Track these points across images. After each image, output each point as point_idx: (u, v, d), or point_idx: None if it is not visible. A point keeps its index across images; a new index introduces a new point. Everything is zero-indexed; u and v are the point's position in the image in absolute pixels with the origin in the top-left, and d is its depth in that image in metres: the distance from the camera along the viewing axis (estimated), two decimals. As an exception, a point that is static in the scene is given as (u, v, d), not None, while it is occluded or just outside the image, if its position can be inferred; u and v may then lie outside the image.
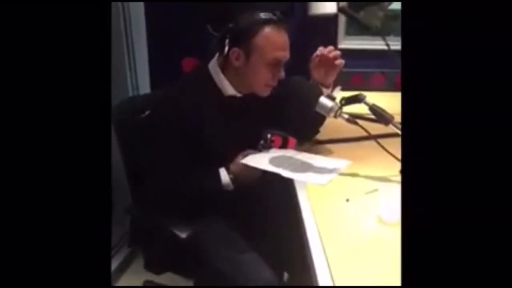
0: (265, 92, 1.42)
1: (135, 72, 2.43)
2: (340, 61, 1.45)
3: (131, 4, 2.33)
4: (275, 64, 1.37)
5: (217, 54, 1.43)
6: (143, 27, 2.39)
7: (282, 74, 1.39)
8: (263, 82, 1.39)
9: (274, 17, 1.35)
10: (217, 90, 1.42)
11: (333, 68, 1.47)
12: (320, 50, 1.46)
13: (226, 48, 1.35)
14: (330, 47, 1.45)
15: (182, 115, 1.33)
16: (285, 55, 1.38)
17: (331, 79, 1.49)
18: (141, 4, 2.35)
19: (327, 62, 1.46)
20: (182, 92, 1.40)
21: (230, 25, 1.35)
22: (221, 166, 1.37)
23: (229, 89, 1.42)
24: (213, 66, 1.42)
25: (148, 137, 1.40)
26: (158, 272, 1.55)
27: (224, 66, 1.40)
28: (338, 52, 1.45)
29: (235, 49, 1.35)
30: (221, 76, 1.41)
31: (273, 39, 1.34)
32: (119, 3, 2.30)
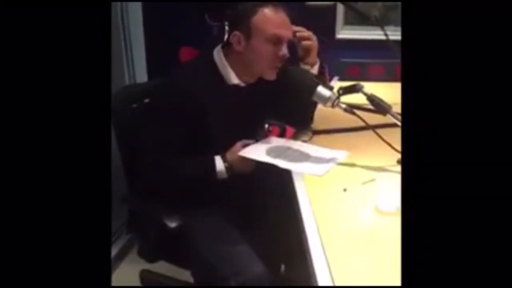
0: (271, 75, 1.41)
1: (132, 61, 2.42)
2: (307, 43, 1.47)
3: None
4: (276, 42, 1.36)
5: (220, 44, 1.42)
6: (140, 17, 2.37)
7: (285, 52, 1.38)
8: (267, 63, 1.38)
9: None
10: (220, 79, 1.41)
11: (311, 48, 1.48)
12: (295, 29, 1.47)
13: (227, 35, 1.35)
14: (299, 28, 1.46)
15: (184, 102, 1.33)
16: (285, 32, 1.37)
17: (312, 58, 1.50)
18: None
19: (302, 43, 1.48)
20: (184, 79, 1.40)
21: (228, 12, 1.35)
22: (218, 154, 1.38)
23: (232, 78, 1.41)
24: (217, 53, 1.42)
25: (148, 123, 1.40)
26: (150, 260, 1.55)
27: (229, 54, 1.40)
28: (305, 34, 1.47)
29: (236, 33, 1.35)
30: (225, 64, 1.41)
31: (271, 18, 1.35)
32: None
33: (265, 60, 1.38)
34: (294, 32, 1.44)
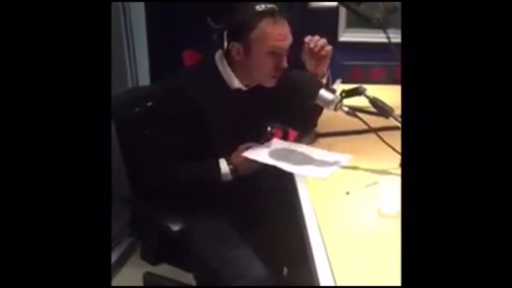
0: (270, 83, 1.41)
1: (135, 64, 2.42)
2: (327, 49, 1.42)
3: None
4: (276, 54, 1.36)
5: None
6: (143, 20, 2.38)
7: (285, 63, 1.38)
8: (267, 73, 1.39)
9: (270, 8, 1.34)
10: (223, 83, 1.41)
11: (322, 58, 1.43)
12: (307, 41, 1.42)
13: (226, 44, 1.35)
14: (315, 38, 1.42)
15: (187, 106, 1.33)
16: (284, 44, 1.36)
17: (323, 68, 1.46)
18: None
19: (316, 52, 1.43)
20: (187, 83, 1.40)
21: (227, 20, 1.35)
22: (222, 157, 1.38)
23: (235, 82, 1.41)
24: (220, 58, 1.42)
25: (151, 127, 1.40)
26: (153, 262, 1.55)
27: (229, 60, 1.40)
28: (323, 41, 1.41)
29: (234, 44, 1.35)
30: (227, 68, 1.41)
31: (271, 32, 1.33)
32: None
33: (265, 71, 1.38)
34: (312, 47, 1.40)
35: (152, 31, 2.40)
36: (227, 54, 1.39)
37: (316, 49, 1.40)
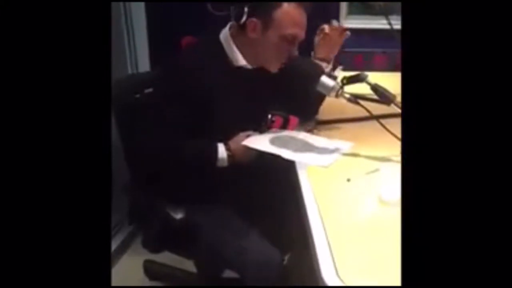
0: (275, 68, 1.41)
1: (134, 52, 2.41)
2: (347, 33, 1.54)
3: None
4: (290, 40, 1.35)
5: (228, 25, 1.41)
6: (143, 7, 2.36)
7: (295, 51, 1.38)
8: (276, 57, 1.38)
9: None
10: (227, 60, 1.40)
11: (336, 44, 1.54)
12: (324, 28, 1.52)
13: (244, 18, 1.33)
14: (333, 25, 1.51)
15: (187, 82, 1.32)
16: (301, 33, 1.37)
17: (333, 54, 1.54)
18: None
19: (330, 39, 1.51)
20: (188, 60, 1.39)
21: None
22: (222, 138, 1.36)
23: (239, 59, 1.40)
24: (224, 35, 1.41)
25: (151, 106, 1.39)
26: (154, 250, 1.56)
27: (237, 36, 1.39)
28: (342, 27, 1.54)
29: (253, 20, 1.33)
30: (233, 45, 1.39)
31: (294, 15, 1.33)
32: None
33: (274, 55, 1.37)
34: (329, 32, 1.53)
35: (152, 18, 2.38)
36: (239, 30, 1.37)
37: (336, 32, 1.52)
